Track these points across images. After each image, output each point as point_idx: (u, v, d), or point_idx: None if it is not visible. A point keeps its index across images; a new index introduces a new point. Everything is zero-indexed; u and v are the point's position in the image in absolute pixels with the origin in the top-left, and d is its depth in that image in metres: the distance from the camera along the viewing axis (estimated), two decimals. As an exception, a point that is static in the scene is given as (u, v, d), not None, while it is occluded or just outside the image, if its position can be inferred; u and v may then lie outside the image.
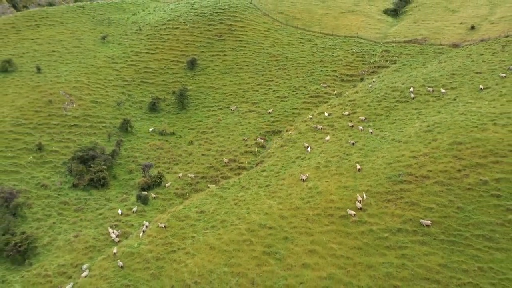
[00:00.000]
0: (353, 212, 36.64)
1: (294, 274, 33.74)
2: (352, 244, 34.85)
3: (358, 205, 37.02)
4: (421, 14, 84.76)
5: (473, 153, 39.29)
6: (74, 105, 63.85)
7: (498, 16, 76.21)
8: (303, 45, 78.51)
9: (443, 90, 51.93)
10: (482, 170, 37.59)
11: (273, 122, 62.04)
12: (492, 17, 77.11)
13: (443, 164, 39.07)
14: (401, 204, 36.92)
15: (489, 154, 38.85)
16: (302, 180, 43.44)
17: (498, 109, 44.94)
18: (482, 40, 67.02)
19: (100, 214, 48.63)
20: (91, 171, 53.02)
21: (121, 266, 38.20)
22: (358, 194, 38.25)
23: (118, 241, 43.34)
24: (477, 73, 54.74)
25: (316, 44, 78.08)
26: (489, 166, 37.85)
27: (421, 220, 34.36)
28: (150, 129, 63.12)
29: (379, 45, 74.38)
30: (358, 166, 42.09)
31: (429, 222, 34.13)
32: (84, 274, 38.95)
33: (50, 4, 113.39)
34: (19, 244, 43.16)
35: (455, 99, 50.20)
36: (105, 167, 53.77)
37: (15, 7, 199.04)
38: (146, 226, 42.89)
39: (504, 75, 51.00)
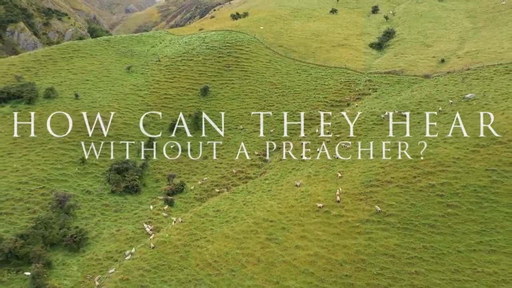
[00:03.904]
0: (321, 204, 49.04)
1: (289, 253, 45.18)
2: (332, 231, 46.43)
3: (337, 198, 49.24)
4: (401, 48, 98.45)
5: (426, 164, 51.38)
6: (108, 126, 76.57)
7: (464, 51, 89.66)
8: (299, 75, 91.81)
9: (404, 113, 64.75)
10: (431, 177, 49.52)
11: (273, 140, 74.49)
12: (460, 51, 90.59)
13: (403, 172, 51.12)
14: (370, 202, 48.73)
15: (438, 165, 50.91)
16: (296, 185, 55.42)
17: (450, 130, 57.33)
18: (448, 72, 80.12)
19: (135, 213, 60.59)
20: (125, 180, 65.22)
21: (153, 247, 49.80)
22: (337, 191, 50.56)
23: (152, 234, 55.08)
24: (438, 101, 67.42)
25: (311, 74, 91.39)
26: (437, 173, 49.82)
27: (376, 206, 46.65)
28: (172, 146, 75.71)
29: (364, 75, 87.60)
30: (339, 175, 54.27)
31: (379, 208, 46.47)
32: (127, 257, 50.59)
33: (80, 38, 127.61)
34: (74, 236, 55.00)
35: (419, 123, 62.62)
36: (137, 176, 66.05)
37: (36, 34, 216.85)
38: (174, 221, 54.71)
39: (451, 101, 63.90)
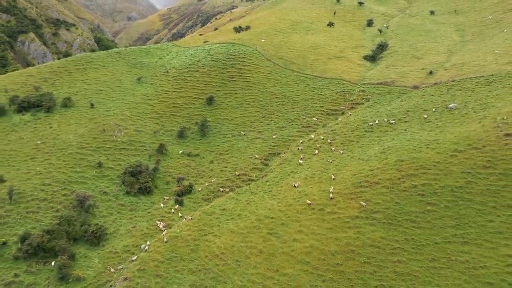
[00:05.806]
0: (310, 202, 54.99)
1: (287, 245, 51.04)
2: (326, 226, 52.40)
3: (331, 196, 55.43)
4: (393, 60, 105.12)
5: (410, 167, 57.58)
6: (122, 133, 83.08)
7: (451, 63, 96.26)
8: (298, 85, 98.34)
9: (392, 121, 71.12)
10: (414, 178, 55.63)
11: (274, 146, 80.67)
12: (447, 63, 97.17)
13: (389, 174, 57.28)
14: (360, 200, 54.81)
15: (420, 168, 57.08)
16: (295, 186, 61.51)
17: (432, 137, 63.58)
18: (435, 83, 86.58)
19: (149, 212, 66.68)
20: (139, 182, 71.43)
21: (166, 242, 55.74)
22: (330, 189, 56.77)
23: (165, 230, 61.16)
24: (424, 110, 73.81)
25: (308, 85, 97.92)
26: (419, 175, 55.95)
27: (361, 202, 52.75)
28: (180, 152, 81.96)
29: (358, 86, 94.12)
30: (333, 177, 60.48)
31: (364, 203, 52.40)
32: (145, 249, 56.61)
33: (92, 50, 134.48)
34: (95, 232, 61.08)
35: (405, 130, 68.95)
36: (149, 179, 72.25)
37: (45, 44, 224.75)
38: (185, 219, 60.82)
39: (434, 110, 70.34)
